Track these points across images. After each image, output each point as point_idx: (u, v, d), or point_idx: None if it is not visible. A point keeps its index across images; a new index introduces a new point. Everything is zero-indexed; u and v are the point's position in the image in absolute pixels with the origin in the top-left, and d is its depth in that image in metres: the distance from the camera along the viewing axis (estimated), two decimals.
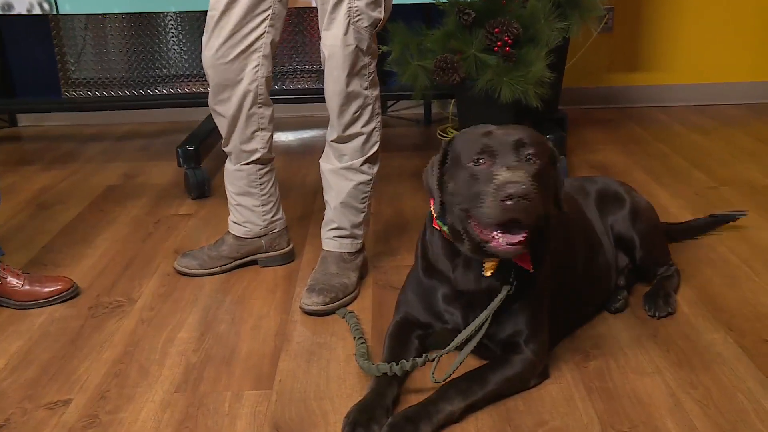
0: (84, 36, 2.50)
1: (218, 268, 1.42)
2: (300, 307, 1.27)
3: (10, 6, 2.08)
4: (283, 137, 2.47)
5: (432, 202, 1.03)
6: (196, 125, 2.18)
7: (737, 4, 2.63)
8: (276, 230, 1.44)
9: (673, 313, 1.21)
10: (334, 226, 1.34)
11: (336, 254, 1.34)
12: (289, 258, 1.47)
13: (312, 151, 2.18)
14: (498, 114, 1.80)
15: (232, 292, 1.36)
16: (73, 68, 2.52)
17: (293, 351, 1.15)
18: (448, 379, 0.97)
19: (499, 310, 1.00)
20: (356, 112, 1.26)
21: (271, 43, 1.29)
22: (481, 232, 0.94)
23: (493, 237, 0.92)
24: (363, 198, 1.33)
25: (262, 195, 1.40)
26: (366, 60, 1.24)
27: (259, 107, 1.33)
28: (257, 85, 1.29)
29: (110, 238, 1.63)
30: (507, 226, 0.91)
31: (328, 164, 1.33)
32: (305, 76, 2.53)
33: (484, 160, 0.94)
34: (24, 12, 2.08)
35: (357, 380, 1.05)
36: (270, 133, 1.36)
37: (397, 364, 0.97)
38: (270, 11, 1.26)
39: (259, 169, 1.39)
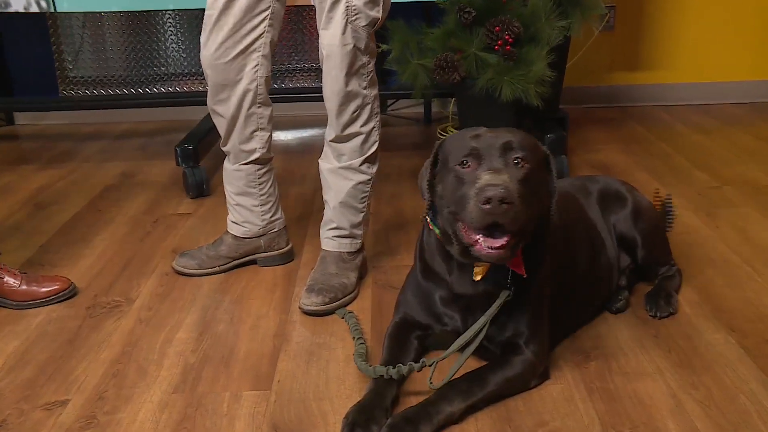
0: (82, 34, 2.49)
1: (217, 268, 1.42)
2: (299, 307, 1.27)
3: (7, 3, 2.07)
4: (282, 136, 2.47)
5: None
6: (195, 124, 2.17)
7: (739, 3, 2.62)
8: (275, 230, 1.44)
9: (674, 314, 1.21)
10: (334, 225, 1.34)
11: (335, 254, 1.34)
12: (288, 258, 1.47)
13: (311, 151, 2.17)
14: (498, 113, 1.80)
15: (231, 292, 1.36)
16: (70, 66, 2.51)
17: (292, 351, 1.14)
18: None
19: (498, 314, 1.00)
20: (355, 111, 1.25)
21: (270, 42, 1.28)
22: (467, 235, 0.94)
23: (476, 240, 0.92)
24: (362, 198, 1.33)
25: (261, 195, 1.40)
26: (364, 59, 1.23)
27: (259, 107, 1.32)
28: (257, 85, 1.29)
29: (108, 237, 1.63)
30: (490, 230, 0.91)
31: (327, 164, 1.32)
32: (304, 74, 2.52)
33: (469, 163, 0.94)
34: (21, 10, 2.07)
35: (356, 381, 1.05)
36: (269, 133, 1.36)
37: (393, 367, 0.97)
38: (269, 11, 1.25)
39: (258, 169, 1.38)
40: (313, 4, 1.24)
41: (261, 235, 1.43)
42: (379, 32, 1.28)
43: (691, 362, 1.07)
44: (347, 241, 1.34)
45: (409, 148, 2.27)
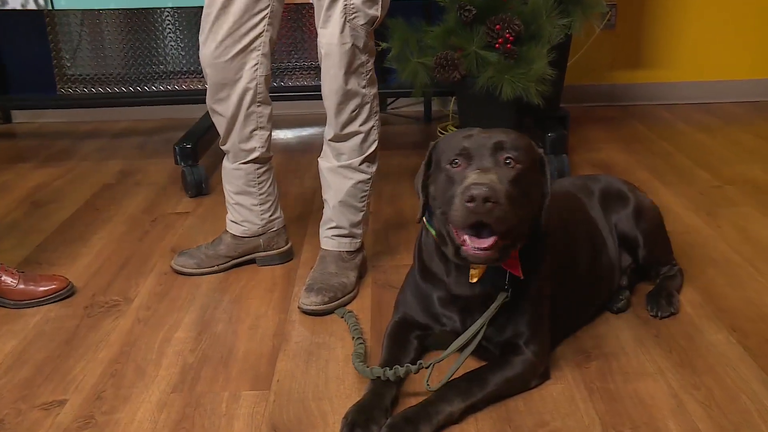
0: (80, 32, 2.49)
1: (216, 267, 1.41)
2: (298, 307, 1.26)
3: (4, 1, 2.06)
4: (282, 135, 2.46)
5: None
6: (194, 122, 2.16)
7: (740, 1, 2.62)
8: (274, 229, 1.43)
9: (675, 314, 1.20)
10: (333, 225, 1.33)
11: (335, 253, 1.33)
12: (287, 257, 1.46)
13: (311, 149, 2.16)
14: (499, 112, 1.79)
15: (230, 291, 1.35)
16: (68, 64, 2.50)
17: (291, 351, 1.14)
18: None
19: (497, 315, 1.00)
20: (354, 110, 1.25)
21: (270, 40, 1.28)
22: (457, 236, 0.94)
23: (464, 241, 0.92)
24: (362, 197, 1.33)
25: (261, 194, 1.39)
26: (363, 58, 1.23)
27: (258, 106, 1.31)
28: (256, 84, 1.28)
29: (106, 236, 1.62)
30: (477, 231, 0.90)
31: (326, 163, 1.32)
32: (304, 73, 2.52)
33: (459, 162, 0.94)
34: (18, 7, 2.06)
35: (356, 381, 1.04)
36: (269, 132, 1.35)
37: (390, 369, 0.97)
38: (268, 9, 1.25)
39: (258, 168, 1.37)
40: (311, 1, 1.23)
41: (260, 235, 1.42)
42: (378, 30, 1.27)
43: (692, 362, 1.07)
44: (347, 240, 1.34)
45: (409, 147, 2.26)
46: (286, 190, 1.84)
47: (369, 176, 1.32)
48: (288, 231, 1.47)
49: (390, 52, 1.90)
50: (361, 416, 0.91)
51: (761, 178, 1.88)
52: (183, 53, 2.51)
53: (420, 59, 1.84)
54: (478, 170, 0.91)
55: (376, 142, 1.31)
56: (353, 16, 1.18)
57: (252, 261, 1.44)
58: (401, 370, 0.96)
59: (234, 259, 1.43)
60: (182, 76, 2.52)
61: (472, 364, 1.02)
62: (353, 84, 1.23)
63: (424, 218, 1.04)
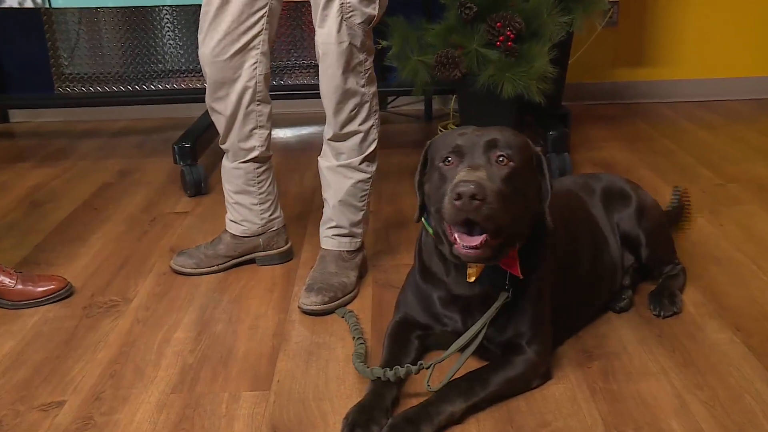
0: (77, 30, 2.47)
1: (215, 267, 1.41)
2: (298, 307, 1.26)
3: None
4: (281, 134, 2.45)
5: None
6: (193, 121, 2.16)
7: None
8: (274, 229, 1.42)
9: (678, 313, 1.20)
10: (333, 224, 1.33)
11: (335, 253, 1.33)
12: (287, 257, 1.45)
13: (311, 148, 2.16)
14: (500, 110, 1.78)
15: (229, 291, 1.35)
16: (66, 63, 2.49)
17: (291, 351, 1.13)
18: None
19: (498, 315, 0.99)
20: (353, 110, 1.24)
21: (269, 39, 1.27)
22: (450, 234, 0.93)
23: (455, 239, 0.92)
24: (362, 196, 1.32)
25: (260, 193, 1.38)
26: (361, 57, 1.22)
27: (258, 104, 1.31)
28: (255, 82, 1.28)
29: (105, 236, 1.61)
30: (468, 229, 0.90)
31: (326, 162, 1.31)
32: (303, 71, 2.51)
33: (451, 160, 0.94)
34: (15, 5, 2.06)
35: (356, 381, 1.04)
36: (268, 131, 1.35)
37: (391, 369, 0.96)
38: (267, 8, 1.24)
39: (257, 167, 1.37)
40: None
41: (260, 234, 1.41)
42: (378, 28, 1.26)
43: (695, 362, 1.06)
44: (347, 239, 1.33)
45: (409, 146, 2.25)
46: (286, 190, 1.84)
47: (369, 175, 1.31)
48: (288, 230, 1.47)
49: (390, 50, 1.89)
50: (362, 417, 0.91)
51: (765, 175, 1.88)
52: (182, 52, 2.50)
53: (420, 57, 1.84)
54: (468, 168, 0.91)
55: (376, 142, 1.30)
56: (350, 14, 1.17)
57: (252, 261, 1.44)
58: (401, 371, 0.96)
59: (233, 258, 1.42)
60: (181, 75, 2.51)
61: (474, 364, 1.01)
62: (352, 83, 1.22)
63: (423, 217, 1.03)
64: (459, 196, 0.86)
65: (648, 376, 1.03)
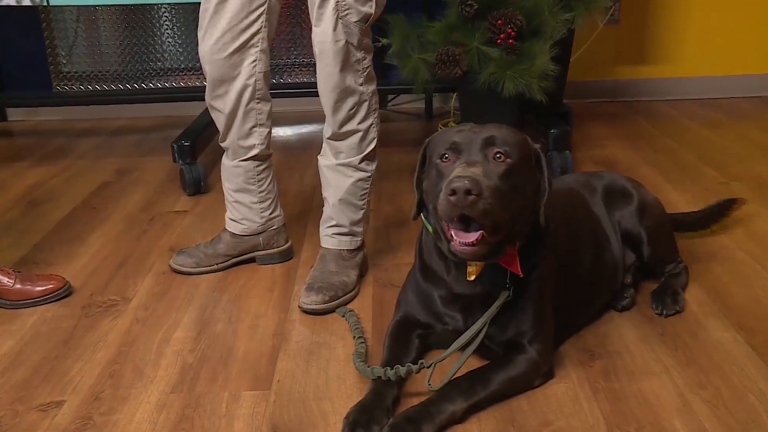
0: (76, 28, 2.47)
1: (215, 266, 1.40)
2: (298, 306, 1.25)
3: None
4: (281, 132, 2.45)
5: None
6: (192, 120, 2.15)
7: None
8: (274, 227, 1.42)
9: (681, 312, 1.19)
10: (333, 223, 1.32)
11: (335, 252, 1.32)
12: (287, 256, 1.45)
13: (311, 147, 2.15)
14: (501, 108, 1.78)
15: (229, 290, 1.34)
16: (64, 61, 2.48)
17: (292, 351, 1.13)
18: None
19: (499, 313, 0.99)
20: (352, 108, 1.23)
21: (268, 37, 1.26)
22: (447, 231, 0.93)
23: (452, 236, 0.91)
24: (362, 195, 1.31)
25: (260, 192, 1.38)
26: (359, 55, 1.21)
27: (258, 102, 1.30)
28: (255, 80, 1.27)
29: (104, 235, 1.61)
30: (464, 225, 0.90)
31: (325, 161, 1.31)
32: (303, 69, 2.50)
33: (448, 157, 0.94)
34: (13, 3, 2.05)
35: (357, 380, 1.03)
36: (268, 129, 1.34)
37: (391, 368, 0.96)
38: (266, 6, 1.23)
39: (257, 166, 1.36)
40: None
41: (260, 233, 1.41)
42: (379, 26, 1.26)
43: (698, 361, 1.06)
44: (347, 238, 1.33)
45: (409, 144, 2.25)
46: (286, 188, 1.83)
47: (369, 174, 1.31)
48: (288, 229, 1.46)
49: (390, 48, 1.88)
50: (363, 416, 0.90)
51: None
52: (180, 50, 2.50)
53: (421, 55, 1.83)
54: (464, 164, 0.90)
55: (376, 140, 1.30)
56: (345, 12, 1.17)
57: (251, 260, 1.43)
58: (402, 370, 0.95)
59: (233, 257, 1.41)
60: (180, 73, 2.50)
61: (475, 364, 1.01)
62: (350, 81, 1.21)
63: (422, 215, 1.03)
64: (453, 192, 0.86)
65: (650, 375, 1.03)
